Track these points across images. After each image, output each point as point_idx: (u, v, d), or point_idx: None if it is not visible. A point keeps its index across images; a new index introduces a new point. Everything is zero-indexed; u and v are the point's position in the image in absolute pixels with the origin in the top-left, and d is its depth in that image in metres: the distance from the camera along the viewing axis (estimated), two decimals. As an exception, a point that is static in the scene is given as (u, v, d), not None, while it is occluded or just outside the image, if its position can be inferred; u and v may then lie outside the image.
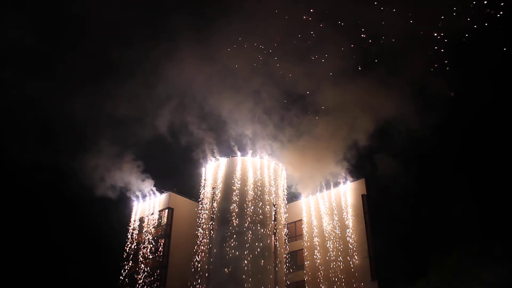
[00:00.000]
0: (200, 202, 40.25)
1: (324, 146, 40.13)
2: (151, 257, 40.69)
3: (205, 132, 41.30)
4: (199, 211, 39.72)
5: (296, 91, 42.67)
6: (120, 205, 44.94)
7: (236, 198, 38.03)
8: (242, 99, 40.87)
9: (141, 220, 43.60)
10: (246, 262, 35.36)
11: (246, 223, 36.93)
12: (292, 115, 42.46)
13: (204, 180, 40.99)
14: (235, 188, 38.57)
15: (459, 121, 43.06)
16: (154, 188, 44.17)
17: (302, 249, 39.72)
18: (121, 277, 40.69)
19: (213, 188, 39.68)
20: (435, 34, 36.57)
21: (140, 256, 41.30)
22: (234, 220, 37.07)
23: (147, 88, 44.58)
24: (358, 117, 40.82)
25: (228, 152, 40.87)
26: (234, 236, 36.41)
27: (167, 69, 42.92)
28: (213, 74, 42.31)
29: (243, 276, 34.80)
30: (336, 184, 40.18)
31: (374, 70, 41.32)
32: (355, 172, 40.04)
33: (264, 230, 37.29)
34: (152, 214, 43.02)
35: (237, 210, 37.48)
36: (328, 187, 40.67)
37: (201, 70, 42.09)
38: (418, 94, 41.01)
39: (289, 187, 42.36)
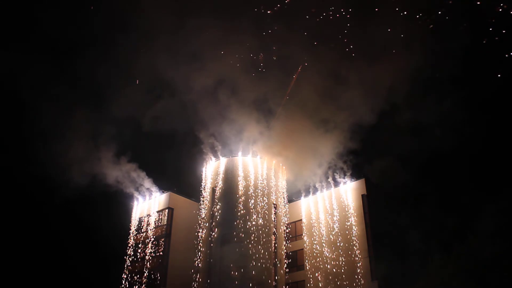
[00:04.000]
0: (200, 202, 40.27)
1: (322, 140, 40.14)
2: (151, 257, 40.66)
3: (205, 132, 41.38)
4: (199, 211, 39.74)
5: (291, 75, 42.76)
6: (120, 205, 45.03)
7: (236, 198, 38.04)
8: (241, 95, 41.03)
9: (141, 220, 43.60)
10: (246, 262, 35.33)
11: (246, 223, 36.91)
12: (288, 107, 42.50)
13: (204, 180, 41.02)
14: (235, 188, 38.57)
15: (462, 117, 42.86)
16: (154, 188, 44.21)
17: (302, 249, 39.69)
18: (121, 277, 40.68)
19: (213, 188, 39.69)
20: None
21: (140, 256, 41.28)
22: (234, 220, 37.06)
23: (143, 86, 44.79)
24: (357, 109, 40.94)
25: (228, 152, 40.94)
26: (234, 236, 36.41)
27: (162, 65, 43.07)
28: (211, 71, 42.42)
29: (243, 276, 34.79)
30: (336, 184, 40.15)
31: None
32: (355, 172, 40.09)
33: (264, 230, 37.27)
34: (152, 214, 42.98)
35: (237, 210, 37.49)
36: (328, 187, 40.64)
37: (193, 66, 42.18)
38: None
39: (288, 183, 42.30)
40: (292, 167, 41.87)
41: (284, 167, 42.17)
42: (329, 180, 40.44)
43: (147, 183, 44.02)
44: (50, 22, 46.71)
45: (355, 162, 40.48)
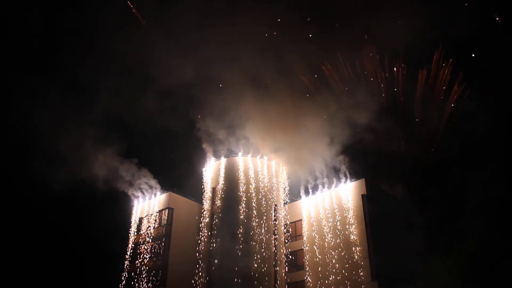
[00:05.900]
0: (200, 202, 40.28)
1: (320, 134, 40.10)
2: (151, 257, 40.66)
3: (206, 132, 41.34)
4: (200, 211, 39.76)
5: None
6: (120, 205, 45.01)
7: (236, 198, 38.07)
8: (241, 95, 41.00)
9: (141, 220, 43.60)
10: (246, 262, 35.35)
11: (246, 223, 36.92)
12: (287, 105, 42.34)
13: (205, 180, 41.01)
14: (235, 188, 38.59)
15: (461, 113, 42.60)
16: (154, 188, 44.20)
17: (302, 249, 39.67)
18: (121, 277, 40.68)
19: (213, 188, 39.71)
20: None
21: (140, 256, 41.28)
22: (234, 220, 37.07)
23: (143, 85, 44.74)
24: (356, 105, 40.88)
25: (228, 152, 40.94)
26: (234, 236, 36.42)
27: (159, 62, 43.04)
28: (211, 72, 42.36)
29: (243, 276, 34.81)
30: (337, 184, 40.11)
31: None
32: (355, 172, 40.04)
33: (264, 230, 37.28)
34: (152, 214, 43.01)
35: (237, 210, 37.49)
36: (328, 187, 40.61)
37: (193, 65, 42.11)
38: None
39: (288, 180, 42.20)
40: (291, 162, 41.76)
41: (284, 167, 42.13)
42: (329, 179, 40.44)
43: (147, 183, 44.05)
44: (34, 15, 46.77)
45: (355, 162, 40.48)
